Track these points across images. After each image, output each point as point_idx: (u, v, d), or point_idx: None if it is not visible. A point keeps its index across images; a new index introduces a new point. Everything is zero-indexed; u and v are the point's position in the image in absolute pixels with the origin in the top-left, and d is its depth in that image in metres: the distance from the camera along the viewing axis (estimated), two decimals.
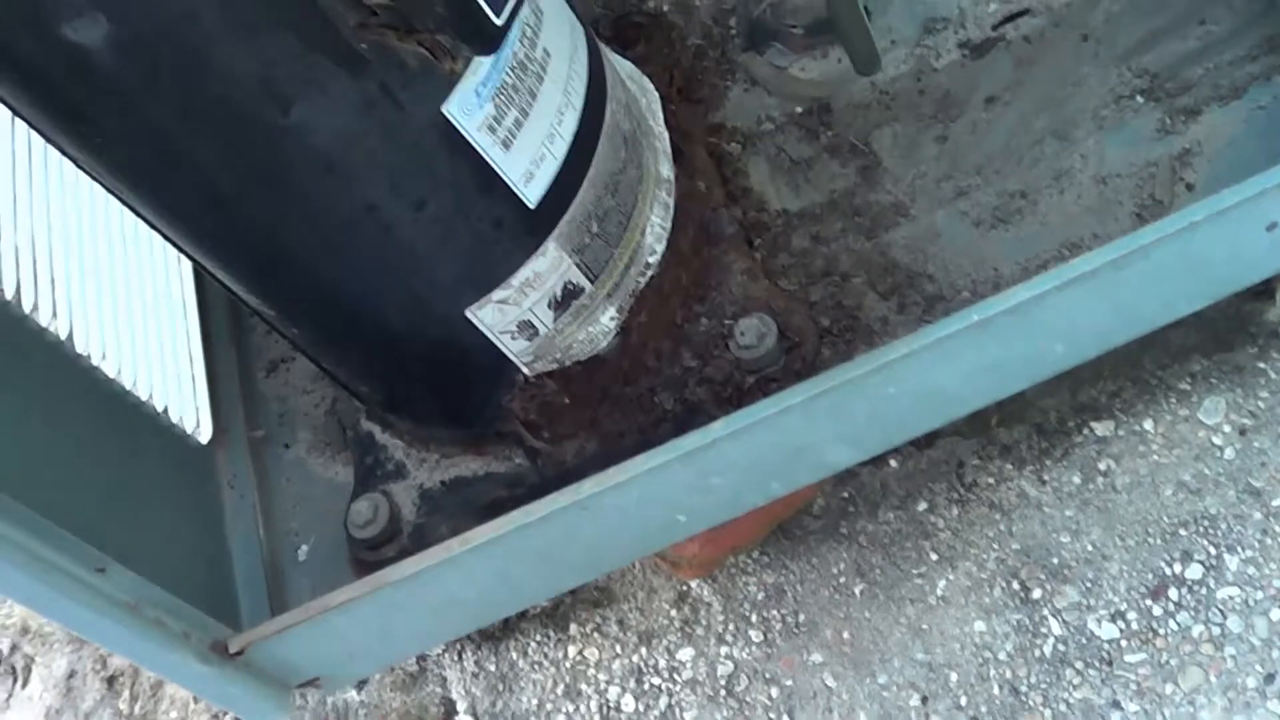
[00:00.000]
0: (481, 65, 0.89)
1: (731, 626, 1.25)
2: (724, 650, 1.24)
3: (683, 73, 1.32)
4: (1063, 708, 1.12)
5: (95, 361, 1.20)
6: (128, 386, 1.23)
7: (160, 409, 1.26)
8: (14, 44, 0.82)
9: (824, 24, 1.26)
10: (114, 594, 1.00)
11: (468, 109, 0.91)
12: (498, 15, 0.82)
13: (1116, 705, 1.11)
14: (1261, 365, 1.20)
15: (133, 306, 1.29)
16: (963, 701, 1.15)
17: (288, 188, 0.92)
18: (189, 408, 1.30)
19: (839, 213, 1.21)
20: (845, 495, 1.27)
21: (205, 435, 1.31)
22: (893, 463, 1.26)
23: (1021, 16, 1.26)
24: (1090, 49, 1.22)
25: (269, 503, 1.30)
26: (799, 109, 1.28)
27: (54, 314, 1.17)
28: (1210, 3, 1.21)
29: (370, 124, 0.89)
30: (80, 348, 1.19)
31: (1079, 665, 1.14)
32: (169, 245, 1.05)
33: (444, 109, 0.90)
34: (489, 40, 0.83)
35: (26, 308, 1.15)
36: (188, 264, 1.36)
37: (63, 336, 1.17)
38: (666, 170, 1.16)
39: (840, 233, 1.20)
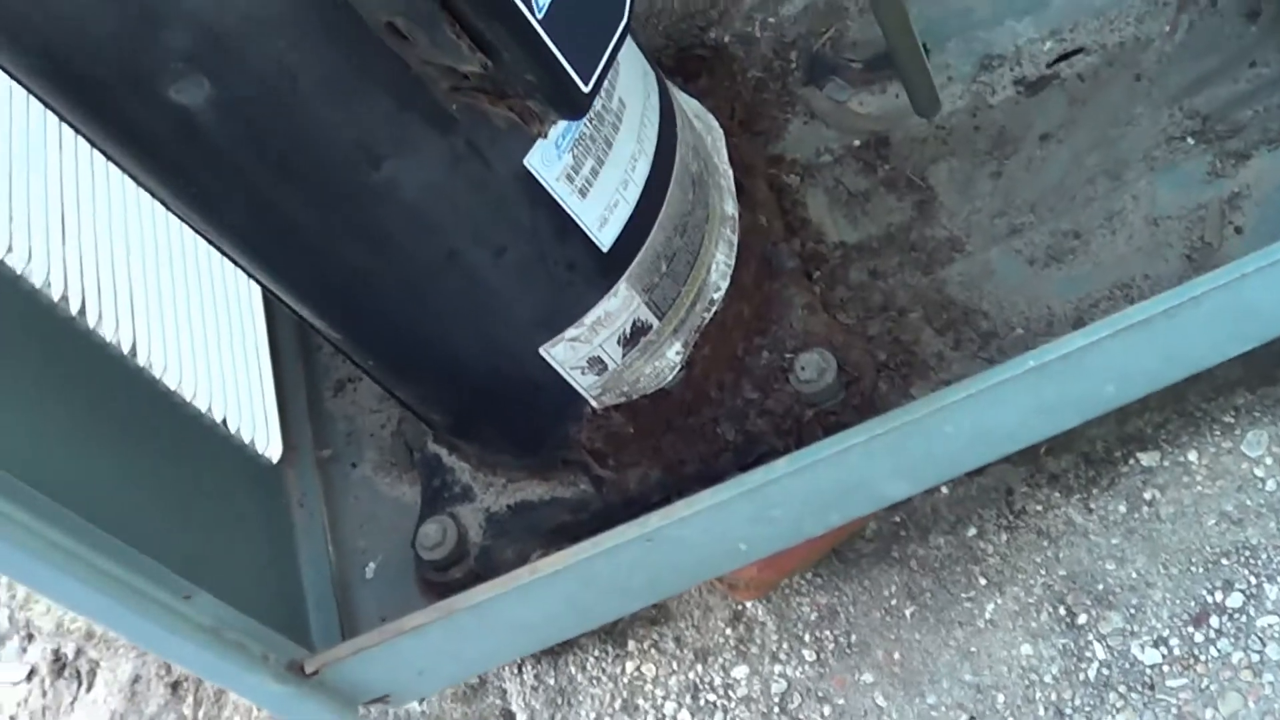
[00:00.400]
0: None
1: (785, 646, 1.29)
2: (778, 669, 1.28)
3: (744, 105, 1.35)
4: None
5: (171, 385, 1.24)
6: (202, 409, 1.27)
7: (233, 430, 1.30)
8: (121, 105, 0.86)
9: (883, 59, 1.29)
10: (199, 619, 1.04)
11: (548, 161, 0.95)
12: (586, 83, 0.85)
13: None
14: None
15: (205, 328, 1.33)
16: None
17: (375, 237, 0.96)
18: (260, 427, 1.34)
19: (896, 247, 1.24)
20: (897, 520, 1.30)
21: (275, 454, 1.35)
22: (944, 489, 1.29)
23: (1076, 55, 1.28)
24: (1143, 89, 1.25)
25: (337, 521, 1.34)
26: (857, 142, 1.31)
27: (134, 346, 1.21)
28: (1260, 45, 1.24)
29: (456, 177, 0.93)
30: (156, 371, 1.23)
31: (1122, 689, 1.17)
32: (239, 270, 1.09)
33: (526, 162, 0.94)
34: (577, 107, 0.86)
35: (110, 337, 1.19)
36: (256, 286, 1.40)
37: (143, 365, 1.21)
38: (731, 208, 1.20)
39: (897, 267, 1.23)
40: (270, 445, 1.35)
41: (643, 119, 1.05)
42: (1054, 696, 1.18)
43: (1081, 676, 1.18)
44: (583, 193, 0.99)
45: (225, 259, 1.06)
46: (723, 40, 1.40)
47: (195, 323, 1.32)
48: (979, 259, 1.22)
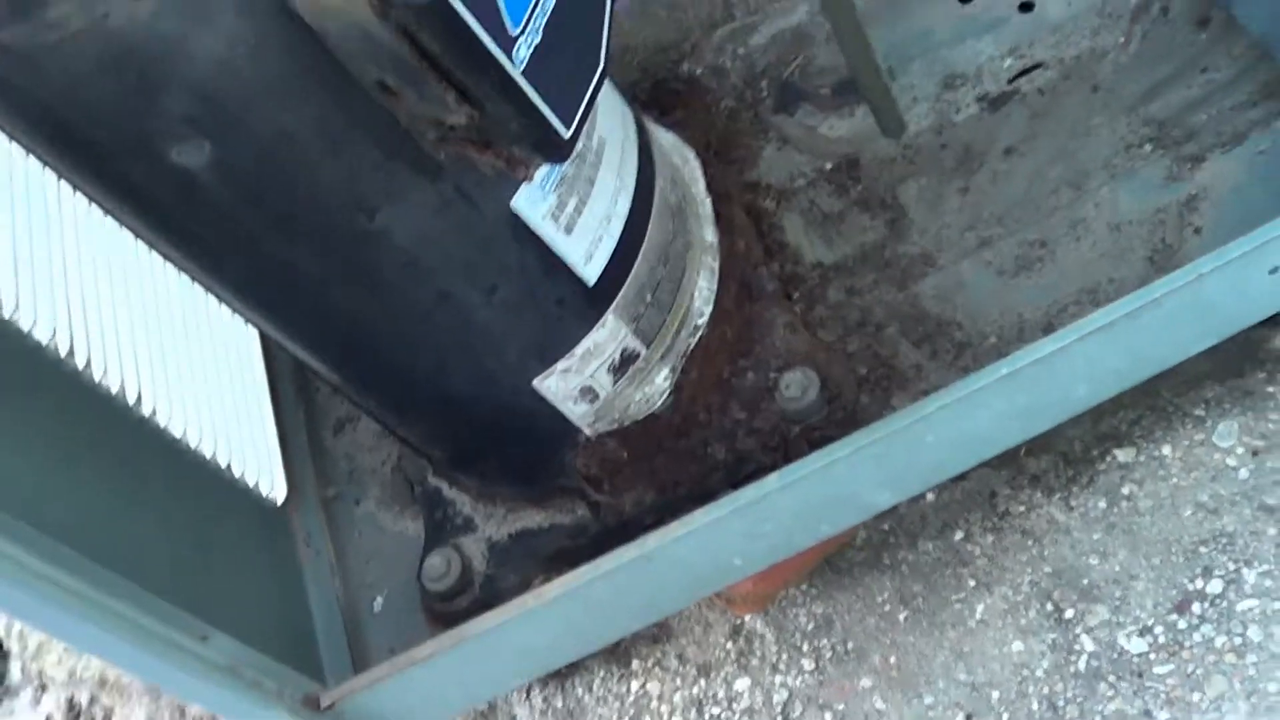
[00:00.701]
0: None
1: (785, 656, 1.32)
2: (778, 679, 1.32)
3: (718, 134, 1.39)
4: (1098, 719, 1.20)
5: (176, 433, 1.28)
6: (207, 454, 1.31)
7: (238, 474, 1.34)
8: (123, 168, 0.90)
9: (850, 84, 1.34)
10: (216, 659, 1.07)
11: (533, 201, 0.99)
12: (568, 128, 0.89)
13: (1148, 714, 1.19)
14: (1271, 389, 1.28)
15: (206, 374, 1.37)
16: (1005, 718, 1.22)
17: (371, 282, 1.00)
18: (264, 470, 1.38)
19: (870, 264, 1.29)
20: (886, 528, 1.34)
21: (280, 496, 1.39)
22: (929, 496, 1.33)
23: (1035, 70, 1.33)
24: (1101, 99, 1.30)
25: (344, 558, 1.38)
26: (829, 165, 1.35)
27: (139, 396, 1.25)
28: (1211, 51, 1.29)
29: (446, 222, 0.97)
30: (161, 419, 1.26)
31: (1111, 679, 1.21)
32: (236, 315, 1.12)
33: (512, 204, 0.98)
34: (561, 151, 0.91)
35: (114, 388, 1.22)
36: (254, 330, 1.44)
37: (147, 413, 1.25)
38: (710, 235, 1.24)
39: (873, 284, 1.27)
40: (275, 487, 1.39)
41: (622, 155, 1.09)
42: (1046, 690, 1.22)
43: (1072, 669, 1.22)
44: (568, 230, 1.03)
45: (223, 305, 1.10)
46: (695, 72, 1.45)
47: (196, 369, 1.35)
48: (951, 272, 1.26)
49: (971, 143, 1.32)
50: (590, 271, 1.07)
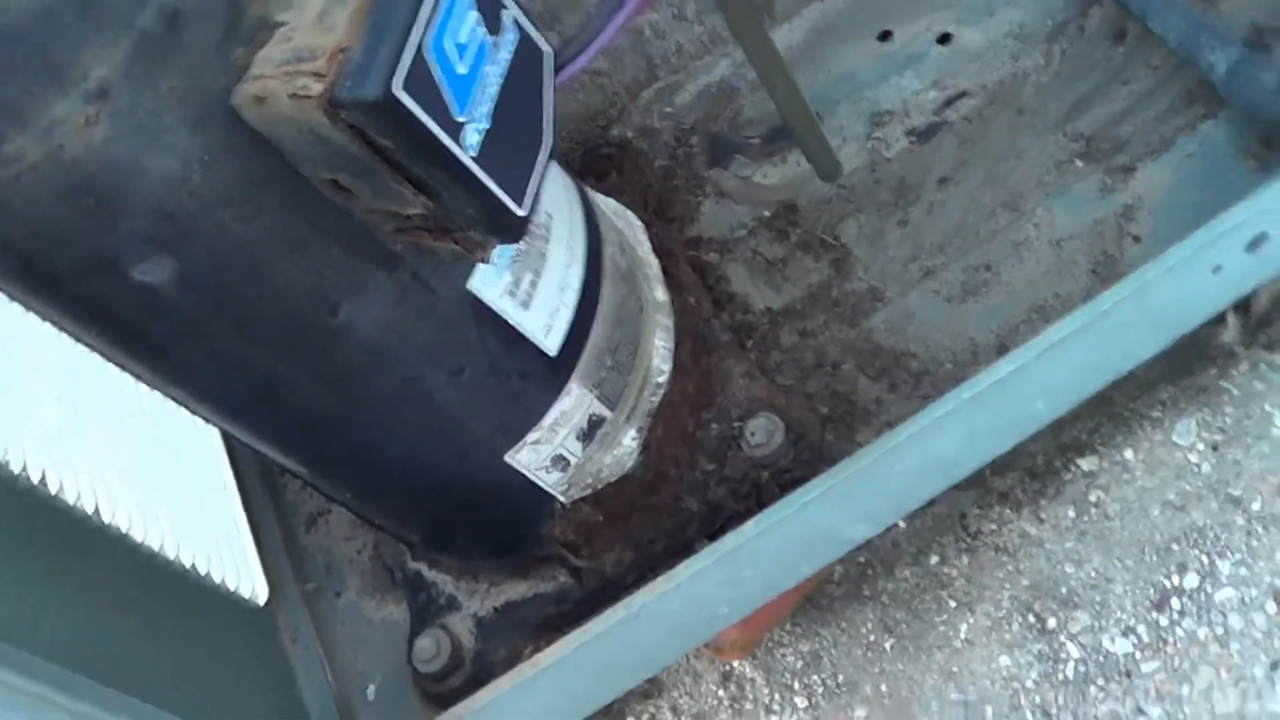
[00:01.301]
0: None
1: (777, 696, 1.34)
2: None
3: (655, 195, 1.42)
4: None
5: (153, 545, 1.28)
6: (185, 564, 1.31)
7: (217, 580, 1.34)
8: (85, 291, 0.91)
9: (780, 131, 1.37)
10: None
11: (489, 281, 1.01)
12: (521, 207, 0.91)
13: (1140, 711, 1.21)
14: (1223, 384, 1.31)
15: (174, 483, 1.37)
16: None
17: (338, 376, 1.01)
18: (243, 574, 1.38)
19: (820, 305, 1.31)
20: (862, 560, 1.36)
21: (262, 597, 1.39)
22: (901, 524, 1.35)
23: (960, 99, 1.37)
24: (1027, 121, 1.33)
25: (332, 650, 1.38)
26: (767, 213, 1.38)
27: (113, 515, 1.25)
28: (1130, 63, 1.33)
29: (407, 310, 0.99)
30: (136, 535, 1.27)
31: (1100, 682, 1.23)
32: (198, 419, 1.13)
33: (469, 286, 1.00)
34: (516, 230, 0.93)
35: (74, 502, 1.23)
36: (217, 435, 1.44)
37: (120, 529, 1.25)
38: (661, 294, 1.26)
39: (824, 324, 1.30)
40: (255, 589, 1.39)
41: (570, 226, 1.11)
42: (1038, 700, 1.24)
43: (1060, 677, 1.24)
44: (525, 305, 1.05)
45: (186, 412, 1.11)
46: (626, 136, 1.48)
47: (164, 479, 1.36)
48: (899, 304, 1.29)
49: (905, 176, 1.35)
50: (551, 343, 1.08)
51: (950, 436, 1.12)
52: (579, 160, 1.46)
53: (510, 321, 1.04)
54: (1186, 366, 1.32)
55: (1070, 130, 1.32)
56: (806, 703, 1.33)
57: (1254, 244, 1.11)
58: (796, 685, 1.34)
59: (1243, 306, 1.26)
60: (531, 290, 1.05)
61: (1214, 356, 1.31)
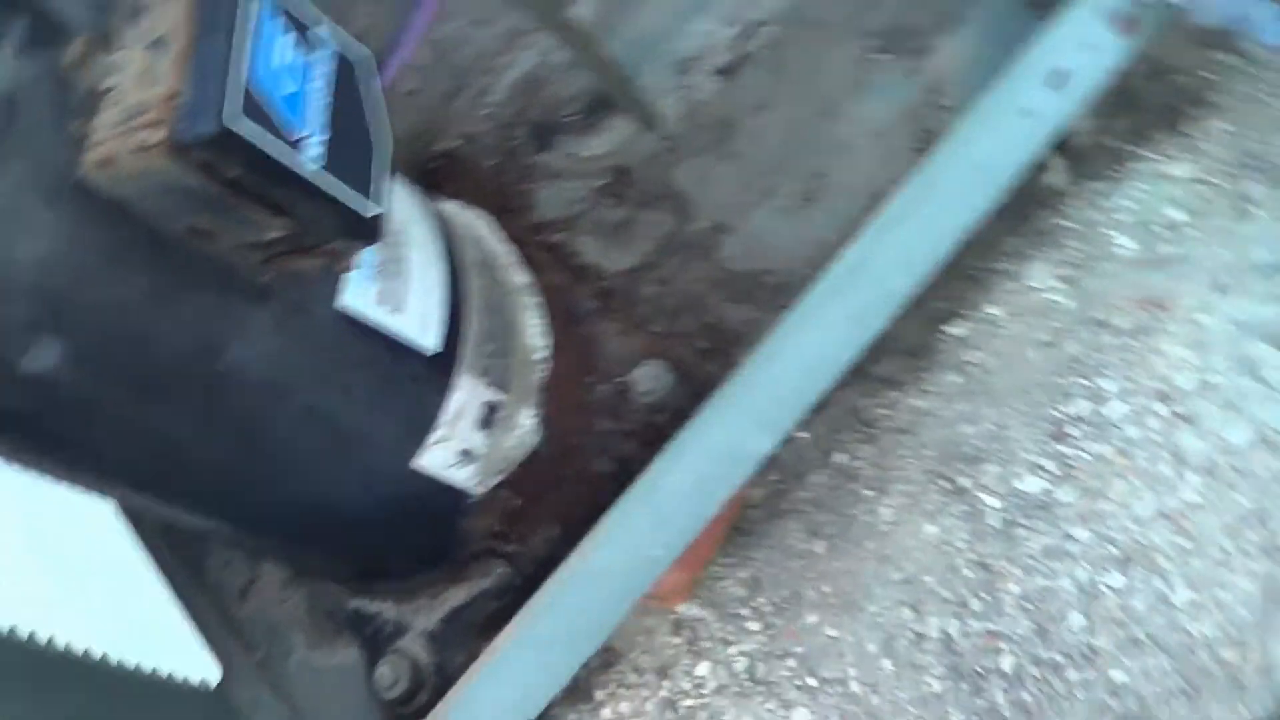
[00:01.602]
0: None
1: (730, 628, 1.38)
2: (733, 649, 1.37)
3: (494, 193, 1.46)
4: (1029, 561, 1.27)
5: (95, 653, 1.29)
6: (130, 665, 1.32)
7: (166, 673, 1.35)
8: None
9: (596, 104, 1.42)
10: None
11: (358, 294, 1.05)
12: (372, 206, 0.94)
13: (1069, 538, 1.26)
14: (1061, 223, 1.37)
15: (101, 589, 1.38)
16: (946, 595, 1.29)
17: (237, 421, 1.04)
18: (190, 660, 1.39)
19: (671, 252, 1.36)
20: (774, 478, 1.40)
21: (215, 678, 1.40)
22: (802, 434, 1.40)
23: (757, 30, 1.42)
24: (824, 33, 1.39)
25: (297, 709, 1.39)
26: (600, 182, 1.43)
27: (48, 631, 1.26)
28: None
29: (288, 340, 1.02)
30: (78, 647, 1.27)
31: (1024, 522, 1.28)
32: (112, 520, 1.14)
33: (341, 304, 1.03)
34: (373, 230, 0.96)
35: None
36: (132, 534, 1.45)
37: (58, 644, 1.26)
38: (520, 278, 1.30)
39: (680, 268, 1.35)
40: (206, 672, 1.40)
41: (423, 231, 1.16)
42: (972, 556, 1.29)
43: (986, 529, 1.29)
44: (398, 310, 1.09)
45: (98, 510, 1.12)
46: (452, 146, 1.52)
47: (88, 586, 1.36)
48: (745, 230, 1.34)
49: (722, 113, 1.40)
50: (430, 341, 1.12)
51: (820, 330, 1.16)
52: (415, 178, 1.49)
53: (387, 330, 1.08)
54: (1021, 213, 1.38)
55: (865, 30, 1.38)
56: (759, 625, 1.37)
57: (1054, 82, 1.17)
58: (745, 611, 1.38)
59: (1064, 148, 1.34)
60: (400, 295, 1.09)
61: (1047, 200, 1.38)
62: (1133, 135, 1.37)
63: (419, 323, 1.11)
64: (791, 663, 1.33)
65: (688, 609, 1.40)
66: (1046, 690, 1.23)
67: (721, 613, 1.38)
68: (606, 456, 1.27)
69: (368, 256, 1.04)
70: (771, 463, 1.38)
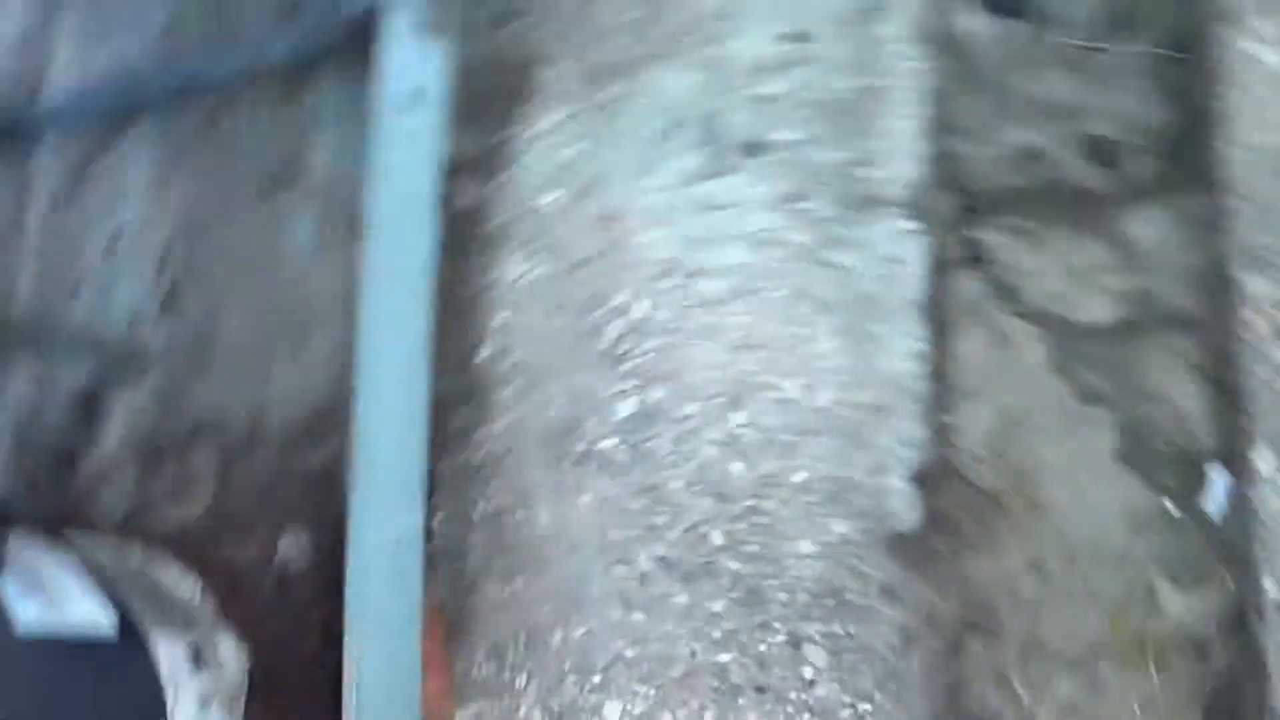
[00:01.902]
0: None
1: (507, 698, 1.41)
2: (522, 710, 1.40)
3: None
4: (671, 458, 1.39)
5: None
6: None
7: None
8: None
9: None
10: None
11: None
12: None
13: (685, 417, 1.39)
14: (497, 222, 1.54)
15: None
16: (633, 533, 1.38)
17: None
18: None
19: None
20: (445, 569, 1.47)
21: None
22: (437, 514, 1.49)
23: None
24: None
25: None
26: None
27: None
28: None
29: None
30: None
31: (645, 435, 1.39)
32: None
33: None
34: None
35: None
36: None
37: None
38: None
39: None
40: None
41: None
42: (630, 489, 1.40)
43: (622, 463, 1.40)
44: (58, 605, 1.10)
45: None
46: None
47: None
48: None
49: None
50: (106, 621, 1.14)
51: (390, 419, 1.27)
52: None
53: (57, 632, 1.09)
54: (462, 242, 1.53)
55: None
56: (524, 676, 1.41)
57: (417, 99, 1.34)
58: (507, 675, 1.42)
59: (455, 169, 1.50)
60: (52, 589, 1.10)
61: (473, 216, 1.54)
62: (500, 122, 1.56)
63: (85, 608, 1.13)
64: (572, 678, 1.40)
65: (464, 713, 1.44)
66: (757, 528, 1.37)
67: (491, 692, 1.43)
68: (302, 618, 1.31)
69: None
70: (436, 556, 1.45)
